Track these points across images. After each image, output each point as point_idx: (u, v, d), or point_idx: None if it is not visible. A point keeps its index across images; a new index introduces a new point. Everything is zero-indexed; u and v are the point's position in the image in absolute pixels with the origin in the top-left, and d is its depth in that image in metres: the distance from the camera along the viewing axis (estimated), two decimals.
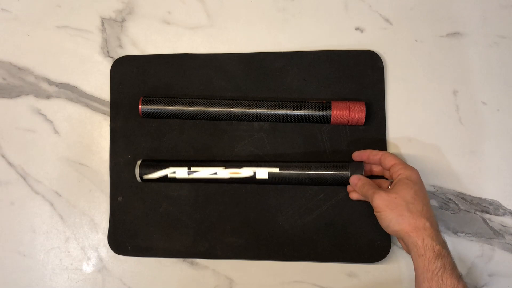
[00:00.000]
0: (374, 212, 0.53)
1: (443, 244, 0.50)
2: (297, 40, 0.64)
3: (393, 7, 0.63)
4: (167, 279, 0.63)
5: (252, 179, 0.59)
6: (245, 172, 0.59)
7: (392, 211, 0.51)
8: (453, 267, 0.48)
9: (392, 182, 0.55)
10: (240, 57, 0.63)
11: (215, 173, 0.59)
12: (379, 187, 0.56)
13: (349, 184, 0.58)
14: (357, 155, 0.59)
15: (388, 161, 0.55)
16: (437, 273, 0.47)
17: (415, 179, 0.53)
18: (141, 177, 0.60)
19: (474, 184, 0.61)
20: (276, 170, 0.58)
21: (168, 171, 0.59)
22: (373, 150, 0.58)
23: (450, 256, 0.49)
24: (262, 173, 0.58)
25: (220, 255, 0.62)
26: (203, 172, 0.59)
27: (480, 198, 0.61)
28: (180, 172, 0.59)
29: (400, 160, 0.55)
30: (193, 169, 0.59)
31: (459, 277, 0.48)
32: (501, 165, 0.61)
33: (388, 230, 0.52)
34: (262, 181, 0.59)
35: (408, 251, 0.51)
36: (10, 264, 0.65)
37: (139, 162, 0.60)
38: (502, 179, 0.61)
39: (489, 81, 0.61)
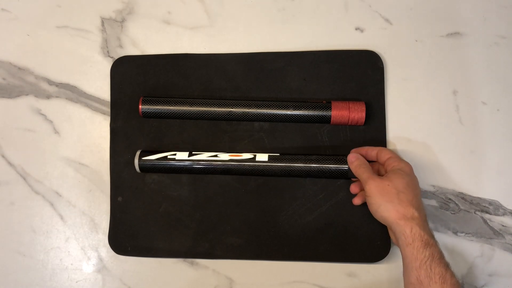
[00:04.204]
0: (365, 196, 0.55)
1: (431, 234, 0.50)
2: (297, 40, 0.64)
3: (393, 7, 0.63)
4: (167, 279, 0.63)
5: (252, 166, 0.59)
6: (246, 155, 0.59)
7: (383, 197, 0.52)
8: (441, 256, 0.49)
9: None
10: (240, 57, 0.63)
11: (216, 155, 0.59)
12: (378, 173, 0.58)
13: (347, 177, 0.58)
14: (356, 152, 0.59)
15: (384, 155, 0.56)
16: (425, 262, 0.48)
17: (408, 171, 0.54)
18: (139, 162, 0.60)
19: (474, 184, 0.61)
20: (276, 155, 0.59)
21: (168, 153, 0.60)
22: (370, 147, 0.59)
23: (438, 245, 0.50)
24: (262, 157, 0.59)
25: (220, 255, 0.62)
26: (204, 155, 0.59)
27: (480, 198, 0.61)
28: (181, 155, 0.59)
29: (396, 154, 0.57)
30: (194, 153, 0.60)
31: (446, 266, 0.48)
32: (501, 165, 0.61)
33: (377, 216, 0.53)
34: (262, 168, 0.59)
35: (396, 242, 0.52)
36: (10, 264, 0.65)
37: (138, 152, 0.60)
38: (502, 179, 0.61)
39: (489, 81, 0.61)
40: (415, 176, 0.55)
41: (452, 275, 0.48)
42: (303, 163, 0.58)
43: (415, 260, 0.49)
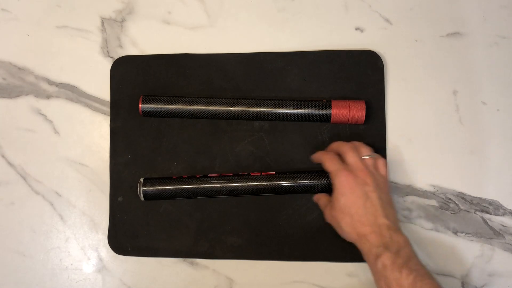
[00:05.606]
0: None
1: (380, 241, 0.50)
2: (297, 40, 0.64)
3: (393, 7, 0.63)
4: (167, 279, 0.63)
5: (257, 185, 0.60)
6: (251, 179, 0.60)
7: (334, 226, 0.56)
8: (393, 261, 0.48)
9: None
10: (240, 57, 0.63)
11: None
12: None
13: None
14: (315, 159, 0.59)
15: (326, 169, 0.56)
16: (381, 273, 0.49)
17: (341, 190, 0.53)
18: (143, 191, 0.60)
19: (474, 184, 0.61)
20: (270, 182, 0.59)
21: (171, 187, 0.60)
22: (320, 156, 0.58)
23: (389, 249, 0.49)
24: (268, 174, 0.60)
25: (220, 255, 0.62)
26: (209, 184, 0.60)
27: (480, 198, 0.61)
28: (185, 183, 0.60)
29: (335, 164, 0.55)
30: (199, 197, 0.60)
31: (401, 266, 0.47)
32: (501, 165, 0.61)
33: None
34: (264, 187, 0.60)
35: None
36: (10, 264, 0.65)
37: (141, 180, 0.60)
38: (502, 179, 0.61)
39: (489, 81, 0.61)
40: (352, 187, 0.52)
41: (409, 273, 0.47)
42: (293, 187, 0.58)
43: (375, 274, 0.50)
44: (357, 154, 0.55)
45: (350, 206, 0.52)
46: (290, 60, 0.63)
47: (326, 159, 0.56)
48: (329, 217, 0.56)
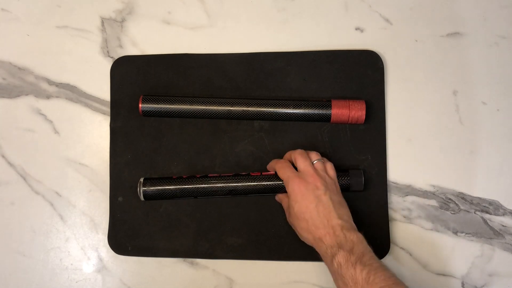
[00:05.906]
0: None
1: (334, 241, 0.50)
2: (297, 40, 0.64)
3: (393, 7, 0.63)
4: (167, 279, 0.63)
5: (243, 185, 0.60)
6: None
7: (296, 233, 0.56)
8: (347, 258, 0.48)
9: None
10: (240, 57, 0.63)
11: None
12: None
13: (349, 190, 0.58)
14: (269, 168, 0.60)
15: (280, 177, 0.57)
16: (338, 273, 0.49)
17: (294, 197, 0.54)
18: (144, 197, 0.60)
19: (474, 184, 0.61)
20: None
21: (171, 186, 0.60)
22: (273, 164, 0.58)
23: (343, 248, 0.49)
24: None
25: (220, 255, 0.62)
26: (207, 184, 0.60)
27: (480, 198, 0.61)
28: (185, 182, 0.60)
29: (286, 172, 0.55)
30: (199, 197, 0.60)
31: (355, 263, 0.48)
32: (501, 165, 0.61)
33: None
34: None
35: None
36: (10, 264, 0.65)
37: (141, 180, 0.60)
38: (502, 179, 0.61)
39: (489, 81, 0.61)
40: (302, 193, 0.53)
41: (362, 268, 0.47)
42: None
43: (332, 274, 0.50)
44: (308, 160, 0.56)
45: (304, 212, 0.53)
46: (290, 60, 0.63)
47: (279, 168, 0.57)
48: (289, 221, 0.57)
